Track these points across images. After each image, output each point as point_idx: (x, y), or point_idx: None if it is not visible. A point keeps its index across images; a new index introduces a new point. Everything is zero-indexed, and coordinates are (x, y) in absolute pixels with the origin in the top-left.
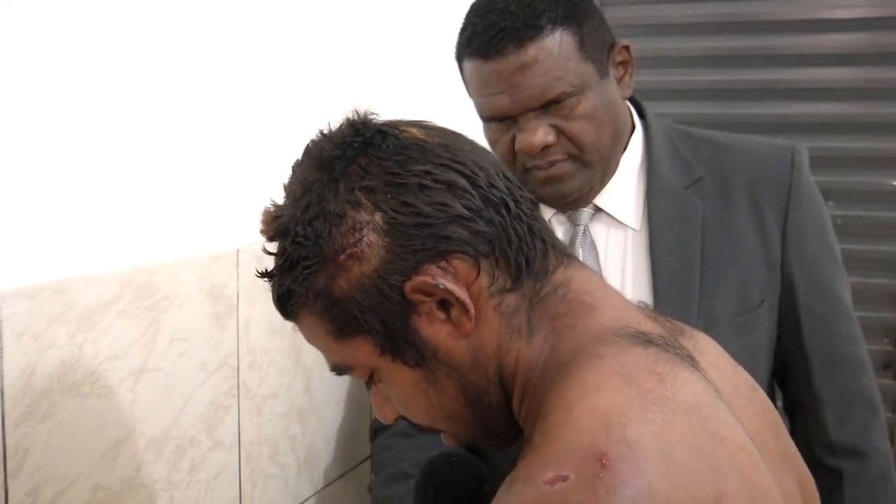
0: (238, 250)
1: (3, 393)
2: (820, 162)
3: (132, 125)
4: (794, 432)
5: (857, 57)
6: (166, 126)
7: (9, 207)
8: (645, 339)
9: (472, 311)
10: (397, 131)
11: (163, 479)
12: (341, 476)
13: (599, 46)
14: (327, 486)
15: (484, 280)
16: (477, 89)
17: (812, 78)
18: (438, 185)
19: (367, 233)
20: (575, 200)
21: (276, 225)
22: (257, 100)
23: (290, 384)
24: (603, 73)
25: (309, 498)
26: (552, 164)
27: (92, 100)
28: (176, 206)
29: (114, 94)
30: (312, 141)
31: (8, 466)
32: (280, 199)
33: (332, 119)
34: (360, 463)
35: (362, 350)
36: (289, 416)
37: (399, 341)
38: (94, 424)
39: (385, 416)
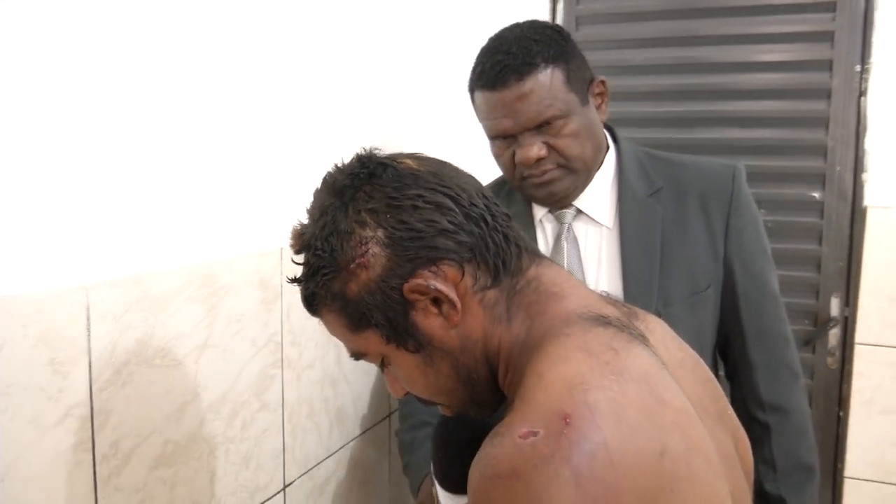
0: (282, 248)
1: (90, 365)
2: (754, 177)
3: (196, 152)
4: (733, 393)
5: (783, 92)
6: (226, 153)
7: (94, 215)
8: (604, 321)
9: (459, 306)
10: (395, 163)
11: (220, 435)
12: (366, 431)
13: (582, 80)
14: (354, 439)
15: (468, 280)
16: (485, 114)
17: (748, 109)
18: (428, 206)
19: (371, 246)
20: (561, 200)
21: (301, 241)
22: (296, 132)
23: (324, 357)
24: (584, 102)
25: (339, 449)
26: (545, 172)
27: (162, 131)
28: (231, 213)
29: (180, 128)
30: (328, 172)
31: (95, 424)
32: (304, 219)
33: (357, 144)
34: (381, 420)
35: (372, 340)
36: (323, 383)
37: (401, 332)
38: (165, 390)
39: (395, 393)
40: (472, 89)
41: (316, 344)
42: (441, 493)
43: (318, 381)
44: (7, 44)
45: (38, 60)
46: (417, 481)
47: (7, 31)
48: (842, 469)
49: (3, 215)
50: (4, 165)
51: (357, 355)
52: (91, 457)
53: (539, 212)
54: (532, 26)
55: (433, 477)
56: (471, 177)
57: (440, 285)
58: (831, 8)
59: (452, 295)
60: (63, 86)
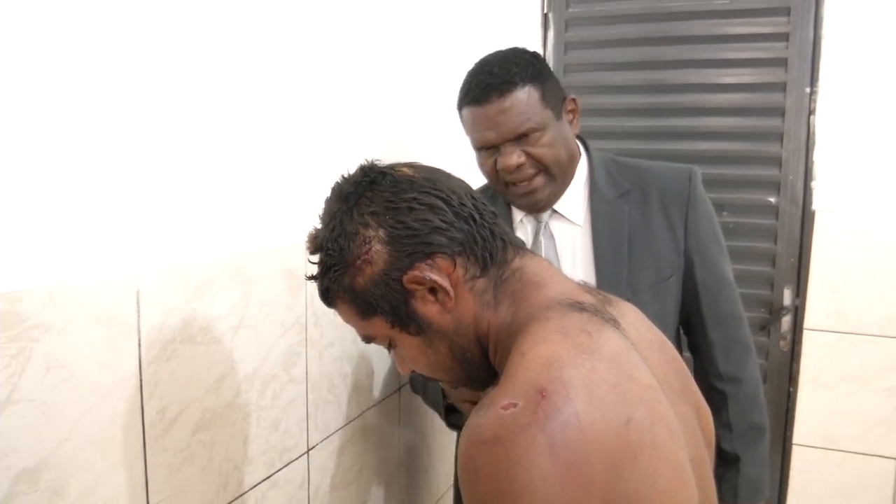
0: (306, 243)
1: (140, 342)
2: (718, 184)
3: (231, 162)
4: (695, 366)
5: (744, 110)
6: (257, 161)
7: (144, 215)
8: (580, 307)
9: (452, 293)
10: (393, 171)
11: (253, 404)
12: (379, 403)
13: (556, 98)
14: (369, 409)
15: (459, 271)
16: (471, 127)
17: (713, 125)
18: (422, 207)
19: (374, 244)
20: (543, 208)
21: (315, 243)
22: (317, 144)
23: (343, 337)
24: (558, 117)
25: (356, 418)
26: (526, 179)
27: (204, 147)
28: (261, 212)
29: (219, 145)
30: (336, 182)
31: (144, 393)
32: (318, 224)
33: (366, 152)
34: (392, 393)
35: (379, 326)
36: (342, 360)
37: (403, 318)
38: (205, 364)
39: (403, 371)
40: (460, 106)
41: (336, 326)
42: None
43: (337, 358)
44: (56, 36)
45: (82, 54)
46: (438, 388)
47: (47, 20)
48: (791, 437)
49: (67, 215)
50: (72, 172)
51: (367, 339)
52: (141, 421)
53: (518, 213)
54: (513, 52)
55: None
56: (461, 181)
57: (435, 276)
58: (785, 38)
59: (446, 284)
60: (119, 94)
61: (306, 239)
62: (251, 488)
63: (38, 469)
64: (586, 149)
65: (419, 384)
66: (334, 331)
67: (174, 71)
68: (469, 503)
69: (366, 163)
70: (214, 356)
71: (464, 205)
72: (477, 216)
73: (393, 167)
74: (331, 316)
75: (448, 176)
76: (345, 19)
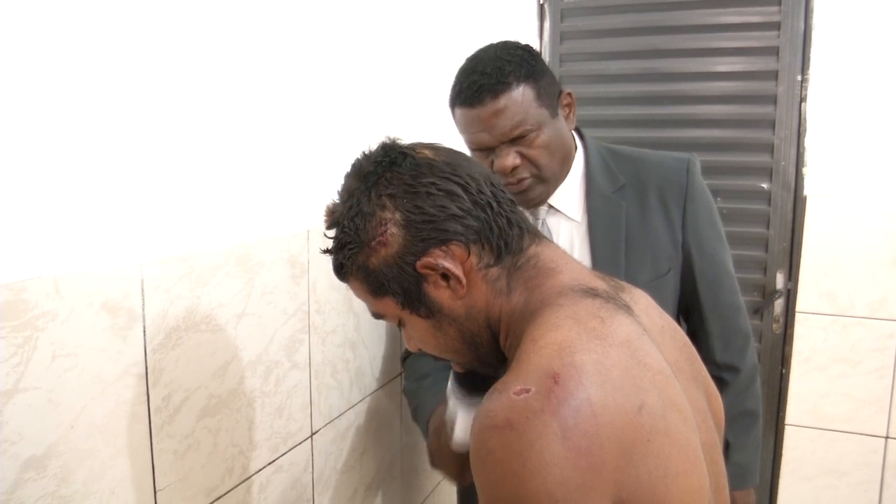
0: (308, 230)
1: (145, 330)
2: (712, 171)
3: (234, 150)
4: None
5: (737, 98)
6: (260, 150)
7: (148, 204)
8: (593, 293)
9: (464, 281)
10: (414, 153)
11: (256, 390)
12: (380, 388)
13: (551, 95)
14: (371, 394)
15: (473, 259)
16: (465, 128)
17: (707, 112)
18: (440, 193)
19: (390, 226)
20: (537, 205)
21: (332, 219)
22: (320, 132)
23: (345, 324)
24: (554, 114)
25: (358, 403)
26: (521, 181)
27: (206, 137)
28: (263, 200)
29: (222, 133)
30: (357, 159)
31: (149, 380)
32: (335, 198)
33: (370, 140)
34: (393, 378)
35: (390, 305)
36: (344, 346)
37: (414, 301)
38: (209, 351)
39: (411, 348)
40: (452, 106)
41: (338, 313)
42: (454, 397)
43: (339, 344)
44: (59, 29)
45: (87, 46)
46: (426, 415)
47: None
48: (783, 418)
49: (71, 205)
50: (76, 162)
51: (377, 315)
52: (146, 408)
53: None
54: (504, 47)
55: (451, 381)
56: (481, 165)
57: (448, 264)
58: (776, 27)
59: (459, 272)
60: (122, 84)
61: (324, 212)
62: (256, 472)
63: (46, 456)
64: (582, 139)
65: (412, 394)
66: (336, 317)
67: (178, 62)
68: (481, 487)
69: (387, 140)
70: (218, 343)
71: (482, 192)
72: (494, 204)
73: (414, 148)
74: (333, 303)
75: (468, 160)
76: (343, 11)
